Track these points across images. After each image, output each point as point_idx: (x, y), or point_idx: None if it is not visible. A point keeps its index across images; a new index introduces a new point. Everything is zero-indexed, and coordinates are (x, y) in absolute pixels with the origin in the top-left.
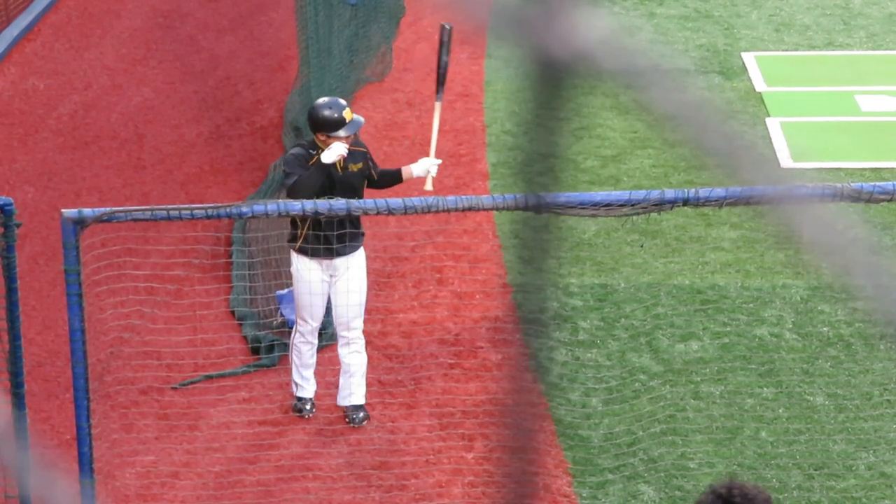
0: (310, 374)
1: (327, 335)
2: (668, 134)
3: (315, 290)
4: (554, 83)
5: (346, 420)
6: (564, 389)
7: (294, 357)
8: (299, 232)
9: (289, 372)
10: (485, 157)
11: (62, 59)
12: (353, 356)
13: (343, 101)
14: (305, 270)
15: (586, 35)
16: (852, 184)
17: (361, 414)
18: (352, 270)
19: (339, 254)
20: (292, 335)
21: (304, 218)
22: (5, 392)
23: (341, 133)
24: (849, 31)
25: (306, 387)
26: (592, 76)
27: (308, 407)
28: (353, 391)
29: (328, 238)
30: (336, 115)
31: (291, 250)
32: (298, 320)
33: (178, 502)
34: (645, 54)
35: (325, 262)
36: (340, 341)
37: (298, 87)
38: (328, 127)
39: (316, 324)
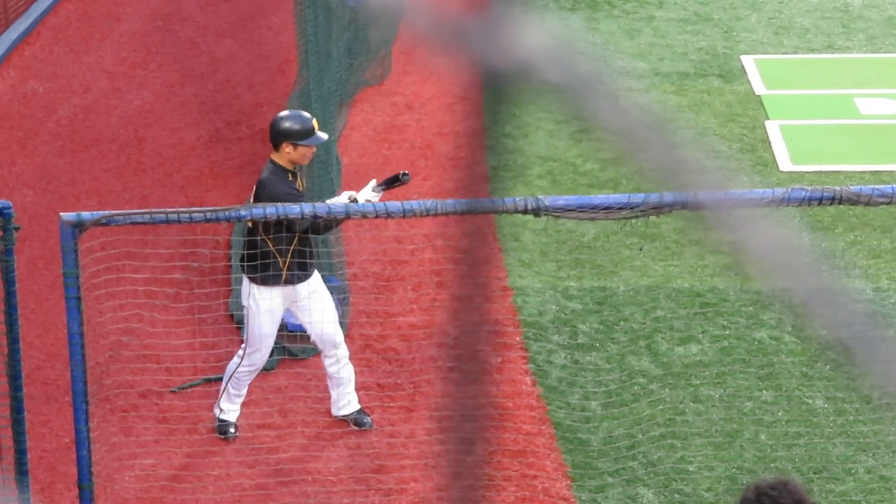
0: (240, 401)
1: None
2: (608, 143)
3: (276, 321)
4: (495, 93)
5: (355, 426)
6: (564, 393)
7: (230, 387)
8: (282, 262)
9: (285, 376)
10: (484, 161)
11: (61, 63)
12: (344, 368)
13: (308, 115)
14: (269, 300)
15: (526, 45)
16: (851, 187)
17: (368, 419)
18: (313, 290)
19: (302, 279)
20: (235, 365)
21: (288, 250)
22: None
23: (310, 142)
24: (848, 34)
25: (233, 411)
26: (532, 86)
27: (232, 430)
28: (349, 399)
29: (297, 264)
30: (308, 125)
31: (252, 283)
32: (251, 351)
33: None
34: (585, 64)
35: (289, 289)
36: (328, 360)
37: (298, 91)
38: (299, 136)
39: (268, 353)
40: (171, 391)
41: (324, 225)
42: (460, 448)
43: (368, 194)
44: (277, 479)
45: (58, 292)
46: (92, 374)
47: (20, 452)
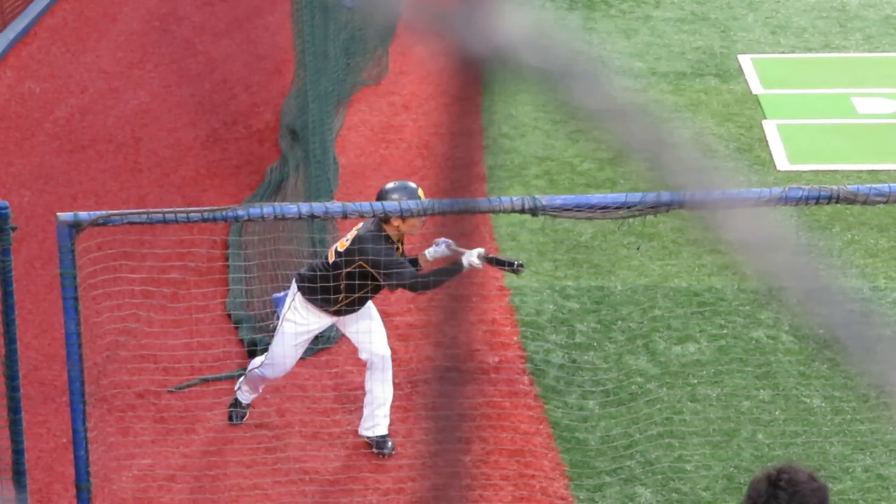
0: (251, 395)
1: (324, 338)
2: (592, 133)
3: (301, 342)
4: (474, 80)
5: (374, 451)
6: (561, 392)
7: (245, 380)
8: (342, 297)
9: (283, 376)
10: (482, 160)
11: (58, 63)
12: (381, 385)
13: (413, 184)
14: (305, 320)
15: (507, 31)
16: (849, 186)
17: (389, 443)
18: (362, 310)
19: (348, 313)
20: (254, 365)
21: (353, 296)
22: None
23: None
24: (845, 33)
25: (250, 397)
26: (514, 73)
27: (244, 417)
28: (377, 422)
29: (352, 304)
30: (415, 196)
31: (299, 291)
32: (268, 362)
33: None
34: (570, 52)
35: (335, 317)
36: (369, 373)
37: (295, 91)
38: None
39: (284, 369)
40: (169, 391)
41: (434, 284)
42: (450, 448)
43: (473, 259)
44: (275, 478)
45: (55, 292)
46: (89, 375)
47: (17, 453)
